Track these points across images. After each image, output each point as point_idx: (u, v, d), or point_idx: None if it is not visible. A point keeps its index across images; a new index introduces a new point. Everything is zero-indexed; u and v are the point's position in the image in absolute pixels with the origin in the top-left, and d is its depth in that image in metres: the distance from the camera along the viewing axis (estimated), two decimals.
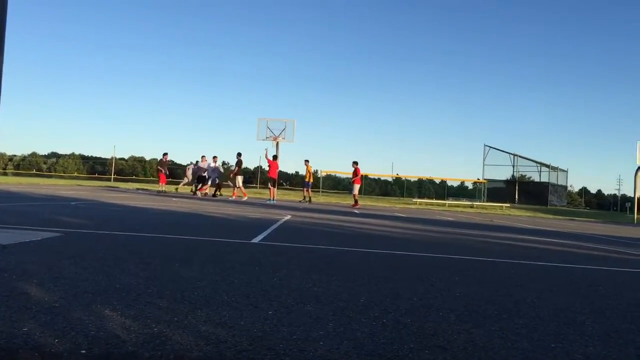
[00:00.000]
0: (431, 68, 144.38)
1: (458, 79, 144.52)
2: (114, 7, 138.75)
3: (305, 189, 24.32)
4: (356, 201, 21.64)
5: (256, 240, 5.48)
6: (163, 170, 23.30)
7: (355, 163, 21.56)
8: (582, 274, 4.59)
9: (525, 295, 3.23)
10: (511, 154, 41.92)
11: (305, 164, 24.30)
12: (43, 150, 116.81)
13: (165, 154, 23.57)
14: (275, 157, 21.78)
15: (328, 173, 52.95)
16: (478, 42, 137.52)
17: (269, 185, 21.34)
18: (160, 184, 23.57)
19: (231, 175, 21.91)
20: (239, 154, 21.53)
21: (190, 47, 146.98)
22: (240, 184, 21.42)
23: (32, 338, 1.77)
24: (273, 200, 20.63)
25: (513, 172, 42.48)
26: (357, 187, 21.60)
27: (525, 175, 44.02)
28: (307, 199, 23.70)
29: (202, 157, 22.99)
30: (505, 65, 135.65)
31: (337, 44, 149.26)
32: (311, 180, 24.20)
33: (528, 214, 27.51)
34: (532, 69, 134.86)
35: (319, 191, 40.62)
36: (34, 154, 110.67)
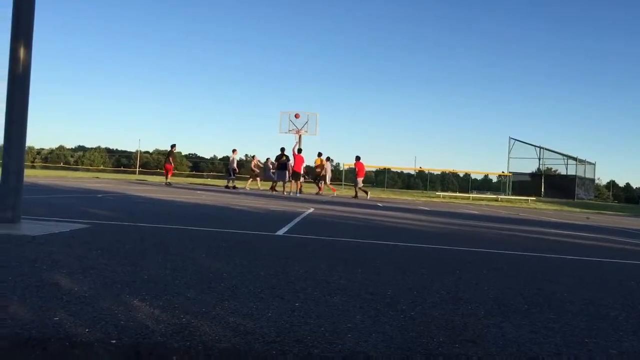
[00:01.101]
0: (455, 60, 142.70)
1: (482, 72, 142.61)
2: (141, 2, 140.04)
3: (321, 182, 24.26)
4: (356, 193, 22.25)
5: (281, 232, 5.49)
6: (171, 162, 22.88)
7: (356, 158, 22.12)
8: (612, 268, 4.49)
9: (555, 289, 3.17)
10: (537, 146, 41.30)
11: (321, 158, 24.19)
12: (70, 144, 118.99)
13: (173, 145, 23.17)
14: (300, 151, 21.76)
15: (350, 166, 52.83)
16: (502, 34, 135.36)
17: (294, 179, 21.31)
18: (169, 175, 23.05)
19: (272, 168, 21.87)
20: (282, 149, 21.41)
21: (214, 43, 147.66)
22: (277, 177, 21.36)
23: (63, 328, 1.79)
24: (298, 193, 20.69)
25: (539, 165, 41.87)
26: (358, 180, 22.12)
27: (551, 168, 43.34)
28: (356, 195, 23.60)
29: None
30: (531, 57, 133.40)
31: (360, 38, 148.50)
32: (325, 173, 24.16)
33: (555, 207, 27.07)
34: (558, 60, 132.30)
35: (341, 184, 40.61)
36: (61, 147, 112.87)
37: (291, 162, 21.15)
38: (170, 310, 2.08)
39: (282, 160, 21.02)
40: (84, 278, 2.57)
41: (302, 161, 21.62)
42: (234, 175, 23.83)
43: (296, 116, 25.72)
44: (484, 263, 4.16)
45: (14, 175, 4.46)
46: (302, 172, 21.71)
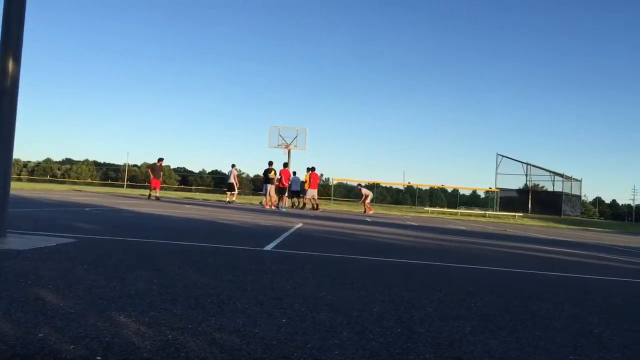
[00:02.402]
0: (442, 76, 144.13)
1: (470, 87, 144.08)
2: (127, 14, 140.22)
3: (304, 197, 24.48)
4: (313, 205, 22.71)
5: (269, 247, 5.48)
6: (152, 175, 21.93)
7: (311, 169, 22.85)
8: (597, 285, 4.53)
9: (540, 305, 3.19)
10: (524, 163, 41.69)
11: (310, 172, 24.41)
12: (57, 157, 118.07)
13: (160, 159, 22.46)
14: (285, 165, 21.78)
15: (339, 181, 52.90)
16: (489, 50, 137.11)
17: (280, 194, 21.28)
18: (154, 188, 21.95)
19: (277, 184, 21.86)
20: (270, 163, 21.36)
21: (203, 55, 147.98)
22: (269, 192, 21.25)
23: (47, 344, 1.77)
24: (284, 207, 20.68)
25: (526, 181, 42.24)
26: (310, 191, 22.62)
27: (538, 185, 43.69)
28: (314, 206, 23.83)
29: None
30: (518, 74, 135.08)
31: (348, 52, 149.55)
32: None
33: (541, 223, 27.26)
34: (546, 77, 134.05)
35: (330, 199, 40.61)
36: (48, 160, 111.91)
37: (278, 176, 21.12)
38: (156, 327, 2.07)
39: (269, 175, 21.00)
40: (70, 293, 2.56)
41: (289, 176, 21.66)
42: (234, 190, 23.94)
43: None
44: (471, 279, 4.18)
45: None
46: (288, 187, 21.73)
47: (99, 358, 1.68)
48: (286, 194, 21.65)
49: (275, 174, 20.96)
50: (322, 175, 24.61)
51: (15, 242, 4.29)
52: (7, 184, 4.51)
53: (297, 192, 23.46)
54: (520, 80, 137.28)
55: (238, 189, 24.89)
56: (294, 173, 23.62)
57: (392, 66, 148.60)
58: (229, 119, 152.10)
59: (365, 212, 24.14)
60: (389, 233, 9.89)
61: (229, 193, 24.51)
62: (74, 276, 3.02)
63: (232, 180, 24.09)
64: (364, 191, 25.22)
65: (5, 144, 4.41)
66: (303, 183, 23.88)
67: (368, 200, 25.01)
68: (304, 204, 23.28)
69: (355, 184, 29.50)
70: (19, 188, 25.10)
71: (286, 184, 21.23)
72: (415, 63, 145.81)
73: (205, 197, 34.06)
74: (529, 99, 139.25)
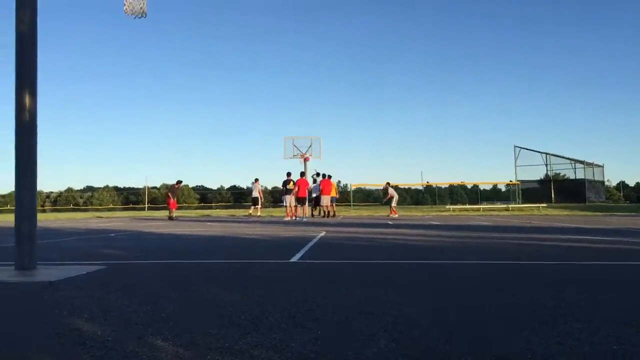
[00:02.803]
0: (453, 72, 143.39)
1: (482, 81, 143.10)
2: (137, 34, 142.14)
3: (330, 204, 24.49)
4: (324, 212, 22.80)
5: (295, 259, 5.47)
6: (172, 197, 22.85)
7: (319, 175, 23.41)
8: (633, 271, 4.44)
9: (578, 297, 3.13)
10: (543, 152, 41.20)
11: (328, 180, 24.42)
12: (78, 185, 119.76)
13: (179, 182, 23.38)
14: (302, 174, 21.77)
15: (358, 186, 52.80)
16: (503, 40, 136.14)
17: (299, 204, 21.22)
18: (171, 209, 22.90)
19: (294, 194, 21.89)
20: (288, 174, 21.51)
21: (214, 70, 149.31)
22: (289, 203, 21.28)
23: None
24: (305, 217, 20.67)
25: (547, 171, 41.71)
26: (324, 197, 22.59)
27: (559, 174, 43.11)
28: (331, 213, 23.82)
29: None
30: (530, 63, 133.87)
31: (359, 52, 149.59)
32: (335, 195, 24.43)
33: (566, 212, 26.88)
34: (559, 64, 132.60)
35: (350, 205, 40.54)
36: (69, 190, 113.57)
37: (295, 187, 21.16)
38: (194, 348, 2.07)
39: (288, 186, 21.05)
40: (105, 321, 2.58)
41: (307, 185, 21.65)
42: (259, 204, 24.10)
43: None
44: (504, 275, 4.13)
45: (26, 223, 4.49)
46: (307, 196, 21.73)
47: None
48: (306, 204, 21.64)
49: (293, 184, 21.00)
50: (336, 181, 24.62)
51: (46, 273, 4.34)
52: (34, 217, 4.58)
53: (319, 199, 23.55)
54: (533, 71, 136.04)
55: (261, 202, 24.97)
56: (315, 180, 23.66)
57: (401, 66, 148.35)
58: (242, 133, 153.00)
59: (390, 215, 23.91)
60: (413, 235, 9.82)
61: (252, 207, 24.76)
62: (108, 303, 3.04)
63: (256, 194, 24.27)
64: (391, 190, 24.86)
65: (29, 178, 4.48)
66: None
67: (394, 203, 24.65)
68: (328, 212, 23.26)
69: (373, 188, 29.16)
70: (43, 219, 25.51)
71: (304, 194, 21.21)
72: (425, 61, 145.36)
73: (226, 213, 34.26)
74: (543, 89, 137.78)
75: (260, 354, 2.00)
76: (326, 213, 23.02)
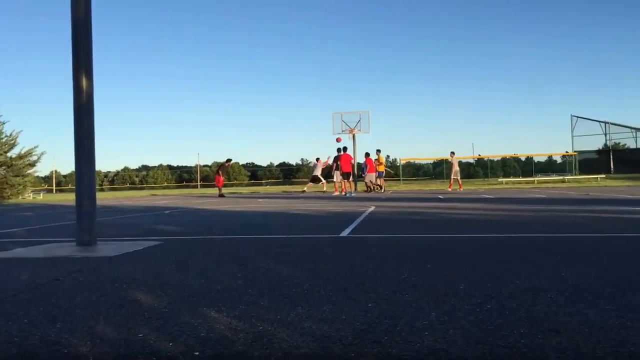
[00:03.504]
0: (507, 39, 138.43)
1: (535, 48, 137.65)
2: (191, 16, 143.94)
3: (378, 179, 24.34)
4: (369, 188, 22.92)
5: (344, 233, 5.50)
6: (221, 175, 23.46)
7: (366, 155, 23.33)
8: None
9: (638, 270, 3.02)
10: (601, 121, 39.51)
11: (377, 154, 24.18)
12: (134, 165, 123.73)
13: (229, 160, 23.85)
14: (345, 149, 21.55)
15: (407, 161, 52.23)
16: (555, 7, 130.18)
17: (344, 179, 21.12)
18: (218, 186, 23.59)
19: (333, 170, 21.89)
20: (338, 150, 21.51)
21: (262, 47, 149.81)
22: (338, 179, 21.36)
23: (148, 343, 1.86)
24: (352, 193, 20.62)
25: (605, 140, 40.03)
26: (370, 175, 22.87)
27: (619, 143, 41.31)
28: (381, 189, 23.64)
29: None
30: (586, 27, 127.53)
31: (409, 24, 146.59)
32: (382, 169, 24.21)
33: (627, 183, 25.79)
34: (616, 25, 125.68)
35: (399, 179, 40.24)
36: (126, 169, 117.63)
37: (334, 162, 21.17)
38: (246, 320, 2.12)
39: (338, 162, 21.01)
40: (162, 293, 2.67)
41: (350, 159, 21.37)
42: (319, 182, 24.32)
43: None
44: (559, 249, 4.02)
45: (87, 201, 4.68)
46: (351, 171, 21.60)
47: (197, 353, 1.74)
48: (350, 179, 21.50)
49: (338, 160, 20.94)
50: (381, 156, 24.23)
51: (106, 249, 4.53)
52: (93, 195, 4.77)
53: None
54: (589, 34, 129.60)
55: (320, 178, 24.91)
56: (367, 154, 23.53)
57: (451, 35, 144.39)
58: (292, 110, 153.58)
59: (455, 188, 23.36)
60: (464, 208, 9.67)
61: (311, 184, 25.01)
62: (164, 277, 3.15)
63: (317, 172, 24.33)
64: (455, 162, 24.16)
65: (88, 157, 4.66)
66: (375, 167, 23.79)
67: (453, 176, 23.97)
68: (378, 187, 23.21)
69: (423, 162, 28.59)
70: (102, 197, 26.56)
71: (349, 169, 21.05)
72: (476, 30, 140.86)
73: (276, 189, 34.67)
74: (602, 54, 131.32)
75: (310, 325, 2.03)
76: (374, 188, 22.93)
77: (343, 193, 20.55)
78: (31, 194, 31.27)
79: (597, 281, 2.73)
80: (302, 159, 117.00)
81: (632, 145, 40.08)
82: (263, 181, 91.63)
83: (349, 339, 1.85)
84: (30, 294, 2.76)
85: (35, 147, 28.47)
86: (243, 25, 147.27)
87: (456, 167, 24.06)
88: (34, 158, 28.44)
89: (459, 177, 24.10)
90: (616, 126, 39.71)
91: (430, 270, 3.17)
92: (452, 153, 24.60)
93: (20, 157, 27.66)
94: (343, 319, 2.10)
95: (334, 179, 21.47)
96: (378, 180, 23.71)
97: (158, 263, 3.72)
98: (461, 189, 23.41)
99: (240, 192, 30.92)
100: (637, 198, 12.06)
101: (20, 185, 27.53)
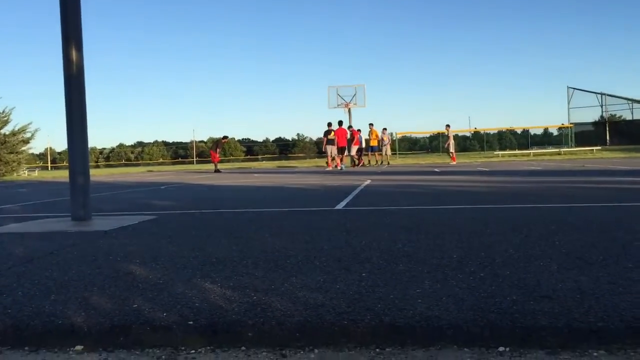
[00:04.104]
0: (502, 9, 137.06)
1: (531, 19, 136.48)
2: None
3: (371, 153, 24.27)
4: (353, 161, 22.68)
5: (340, 206, 5.50)
6: (215, 150, 23.15)
7: (341, 123, 22.19)
8: None
9: (631, 237, 3.03)
10: (598, 93, 39.44)
11: (370, 127, 24.03)
12: (129, 141, 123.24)
13: (225, 137, 23.65)
14: (340, 123, 21.38)
15: (403, 134, 52.08)
16: None
17: (339, 154, 20.99)
18: (214, 162, 23.35)
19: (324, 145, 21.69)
20: (329, 124, 21.33)
21: (256, 23, 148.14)
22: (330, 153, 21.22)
23: (142, 313, 1.86)
24: (343, 166, 20.50)
25: (602, 112, 40.01)
26: (354, 148, 22.40)
27: (615, 115, 41.27)
28: (378, 162, 23.65)
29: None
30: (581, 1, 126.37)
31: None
32: (376, 144, 24.14)
33: (623, 155, 25.86)
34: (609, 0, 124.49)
35: (395, 153, 40.23)
36: (121, 145, 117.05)
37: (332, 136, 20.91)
38: (240, 290, 2.13)
39: (329, 137, 20.84)
40: (157, 266, 2.67)
41: (345, 134, 21.18)
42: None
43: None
44: (552, 218, 4.03)
45: (80, 176, 4.65)
46: (347, 145, 21.41)
47: (191, 322, 1.75)
48: (345, 153, 21.42)
49: (333, 134, 20.78)
50: (375, 129, 24.05)
51: (101, 223, 4.53)
52: (86, 168, 4.74)
53: (367, 149, 23.54)
54: (585, 6, 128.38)
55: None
56: (360, 130, 23.38)
57: (446, 6, 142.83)
58: (288, 84, 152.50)
59: (451, 162, 23.34)
60: (459, 181, 9.69)
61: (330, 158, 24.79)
62: (159, 250, 3.15)
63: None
64: (451, 134, 23.89)
65: (80, 131, 4.62)
66: (367, 141, 23.72)
67: (452, 149, 23.83)
68: (376, 161, 23.24)
69: (419, 136, 28.48)
70: (97, 174, 26.49)
71: (344, 143, 20.94)
72: (470, 2, 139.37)
73: (272, 165, 34.62)
74: (597, 25, 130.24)
75: (305, 294, 2.03)
76: (355, 162, 22.78)
77: (337, 167, 20.52)
78: (26, 171, 31.14)
79: (590, 249, 2.74)
80: (298, 134, 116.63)
81: (628, 117, 40.09)
82: (259, 156, 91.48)
83: (343, 307, 1.85)
84: (24, 267, 2.76)
85: (29, 124, 28.33)
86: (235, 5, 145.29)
87: (451, 140, 23.92)
88: (28, 135, 28.32)
89: (453, 150, 23.99)
90: (612, 97, 39.67)
91: (425, 240, 3.18)
92: (448, 126, 24.37)
93: (13, 134, 27.51)
94: (337, 288, 2.11)
95: (327, 153, 21.31)
96: (372, 154, 23.76)
97: (153, 237, 3.72)
98: (454, 162, 23.31)
99: (236, 168, 30.88)
100: (631, 169, 12.10)
101: (14, 162, 27.45)
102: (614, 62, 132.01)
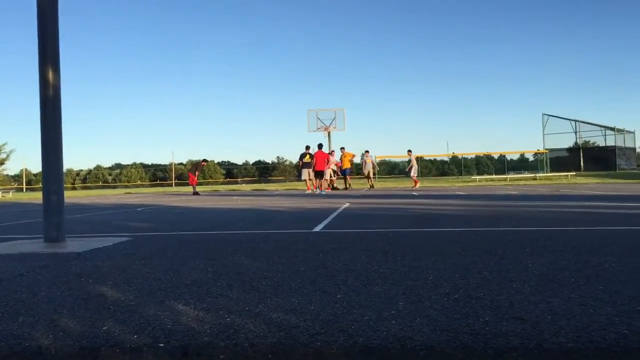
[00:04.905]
0: (481, 38, 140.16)
1: (508, 48, 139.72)
2: (164, 15, 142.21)
3: (345, 177, 24.30)
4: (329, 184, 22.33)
5: (318, 229, 5.50)
6: (193, 173, 22.96)
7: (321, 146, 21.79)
8: None
9: (602, 260, 3.08)
10: (572, 120, 40.27)
11: (342, 152, 24.04)
12: (107, 163, 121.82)
13: (205, 160, 23.55)
14: (320, 146, 21.32)
15: (382, 158, 52.46)
16: (528, 6, 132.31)
17: (317, 178, 20.85)
18: (192, 184, 23.24)
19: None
20: (307, 147, 21.18)
21: (237, 47, 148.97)
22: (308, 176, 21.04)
23: (112, 335, 1.83)
24: (323, 191, 20.41)
25: (576, 138, 40.83)
26: (317, 172, 21.37)
27: (589, 141, 42.19)
28: (347, 186, 23.76)
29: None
30: (556, 30, 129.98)
31: (380, 22, 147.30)
32: (349, 166, 24.27)
33: (596, 180, 26.38)
34: (585, 30, 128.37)
35: (375, 177, 40.42)
36: (98, 167, 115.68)
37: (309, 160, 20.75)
38: (214, 312, 2.10)
39: (304, 160, 20.71)
40: (129, 288, 2.63)
41: (324, 157, 21.01)
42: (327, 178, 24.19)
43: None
44: (526, 241, 4.08)
45: (54, 196, 4.58)
46: (325, 169, 21.16)
47: (161, 344, 1.72)
48: (324, 177, 21.26)
49: (310, 157, 20.65)
50: (347, 152, 24.13)
51: (74, 245, 4.45)
52: (61, 188, 4.67)
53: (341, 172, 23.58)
54: (562, 36, 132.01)
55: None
56: (331, 153, 23.31)
57: (425, 33, 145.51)
58: (267, 108, 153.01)
59: (414, 186, 23.74)
60: (437, 204, 9.76)
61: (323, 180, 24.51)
62: (132, 271, 3.10)
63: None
64: (414, 159, 24.32)
65: (55, 151, 4.56)
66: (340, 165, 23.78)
67: (413, 173, 24.27)
68: (349, 185, 23.31)
69: (399, 160, 28.85)
70: (74, 196, 26.08)
71: (322, 167, 20.78)
72: (450, 28, 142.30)
73: (251, 187, 34.50)
74: (573, 54, 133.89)
75: (279, 316, 2.02)
76: (348, 186, 22.92)
77: (315, 190, 20.47)
78: (0, 193, 30.54)
79: (563, 271, 2.78)
80: (277, 157, 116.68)
81: (602, 143, 40.97)
82: (239, 179, 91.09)
83: (316, 329, 1.84)
84: None
85: (4, 145, 27.98)
86: (216, 22, 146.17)
87: (414, 164, 24.23)
88: (3, 156, 27.88)
89: (415, 174, 24.33)
90: (586, 124, 40.53)
91: (401, 262, 3.19)
92: (409, 151, 24.67)
93: None
94: (311, 310, 2.10)
95: (303, 177, 21.14)
96: (345, 178, 23.88)
97: (127, 258, 3.66)
98: (417, 186, 23.66)
99: (215, 190, 30.70)
100: (603, 194, 12.35)
101: None
102: (588, 90, 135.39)
